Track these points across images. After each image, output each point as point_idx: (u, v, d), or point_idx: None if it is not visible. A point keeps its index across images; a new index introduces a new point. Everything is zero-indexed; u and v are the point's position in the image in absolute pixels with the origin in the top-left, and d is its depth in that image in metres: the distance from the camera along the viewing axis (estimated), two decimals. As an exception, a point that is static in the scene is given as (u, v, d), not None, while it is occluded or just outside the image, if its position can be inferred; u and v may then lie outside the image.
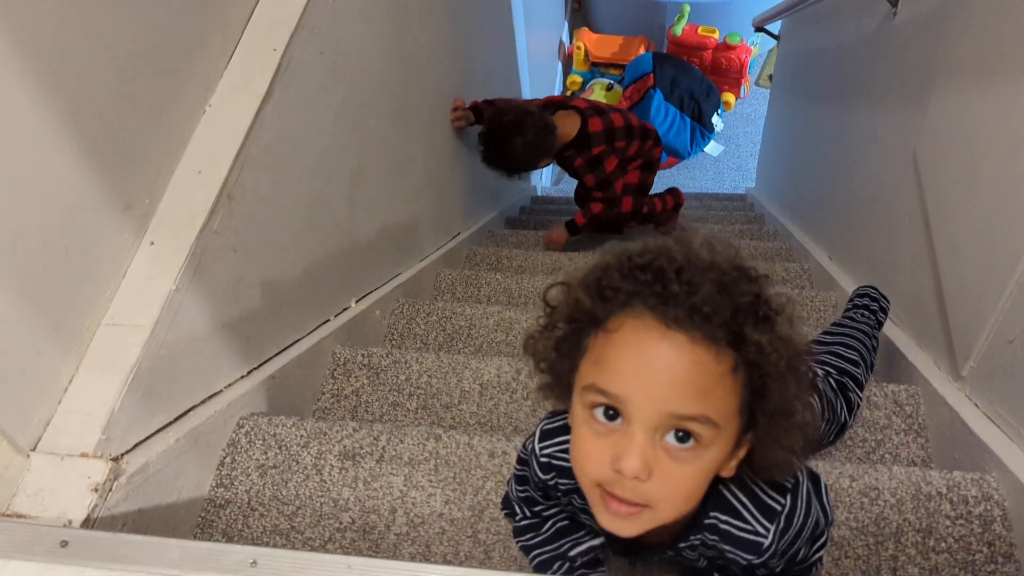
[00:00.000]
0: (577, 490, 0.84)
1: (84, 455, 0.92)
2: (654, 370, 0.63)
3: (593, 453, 0.68)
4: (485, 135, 2.51)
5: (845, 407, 1.25)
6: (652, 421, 0.64)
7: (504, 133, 2.45)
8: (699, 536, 0.80)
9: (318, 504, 1.14)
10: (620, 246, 0.70)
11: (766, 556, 0.77)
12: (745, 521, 0.77)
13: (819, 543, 0.87)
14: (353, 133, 1.64)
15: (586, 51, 5.21)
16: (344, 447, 1.19)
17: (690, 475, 0.66)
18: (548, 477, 0.87)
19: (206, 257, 1.11)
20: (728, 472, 0.72)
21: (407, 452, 1.18)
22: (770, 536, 0.76)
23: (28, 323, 0.88)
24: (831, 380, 1.25)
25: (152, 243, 1.07)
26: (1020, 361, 1.08)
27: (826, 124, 2.51)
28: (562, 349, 0.73)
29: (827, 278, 2.19)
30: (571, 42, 5.45)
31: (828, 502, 0.84)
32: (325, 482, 1.16)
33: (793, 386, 0.66)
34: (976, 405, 1.21)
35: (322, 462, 1.18)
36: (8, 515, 0.87)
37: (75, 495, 0.90)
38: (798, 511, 0.78)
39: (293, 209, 1.39)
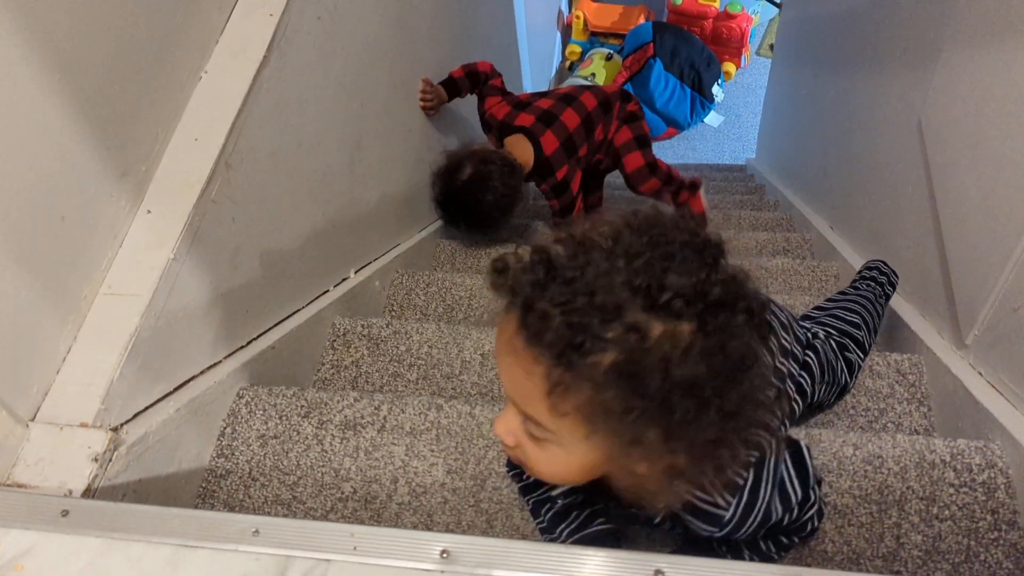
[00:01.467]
0: None
1: (84, 425, 0.91)
2: (505, 365, 0.67)
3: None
4: (442, 202, 2.10)
5: (845, 369, 1.25)
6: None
7: (466, 196, 2.02)
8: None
9: (319, 474, 1.14)
10: (544, 237, 0.65)
11: (727, 529, 0.78)
12: (707, 492, 0.77)
13: (808, 505, 0.87)
14: (352, 101, 1.62)
15: (585, 20, 5.16)
16: (345, 417, 1.19)
17: (546, 459, 0.69)
18: None
19: (204, 226, 1.10)
20: (654, 484, 0.68)
21: (408, 422, 1.17)
22: (731, 510, 0.77)
23: (25, 292, 0.87)
24: (831, 341, 1.25)
25: (149, 211, 1.06)
26: (1025, 329, 1.08)
27: (829, 93, 2.48)
28: None
29: (828, 248, 2.18)
30: (570, 11, 5.38)
31: (810, 465, 0.86)
32: (326, 452, 1.16)
33: (685, 422, 0.59)
34: (980, 374, 1.21)
35: (323, 432, 1.17)
36: (8, 485, 0.86)
37: (75, 465, 0.89)
38: (763, 484, 0.78)
39: (292, 178, 1.37)
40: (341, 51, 1.53)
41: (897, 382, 1.36)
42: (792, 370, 1.10)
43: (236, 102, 1.17)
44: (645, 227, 0.62)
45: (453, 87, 2.25)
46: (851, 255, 1.97)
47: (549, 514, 0.98)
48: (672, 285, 0.57)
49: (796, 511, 0.85)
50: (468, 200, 2.02)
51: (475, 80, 2.29)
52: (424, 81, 2.14)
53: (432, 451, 1.14)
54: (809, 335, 1.19)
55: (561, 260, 0.61)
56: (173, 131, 1.12)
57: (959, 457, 1.07)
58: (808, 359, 1.15)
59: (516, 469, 1.04)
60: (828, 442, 1.11)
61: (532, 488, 1.01)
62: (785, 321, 1.13)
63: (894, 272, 1.53)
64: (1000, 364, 1.15)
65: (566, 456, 0.67)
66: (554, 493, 0.98)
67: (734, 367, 0.59)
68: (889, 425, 1.31)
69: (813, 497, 0.88)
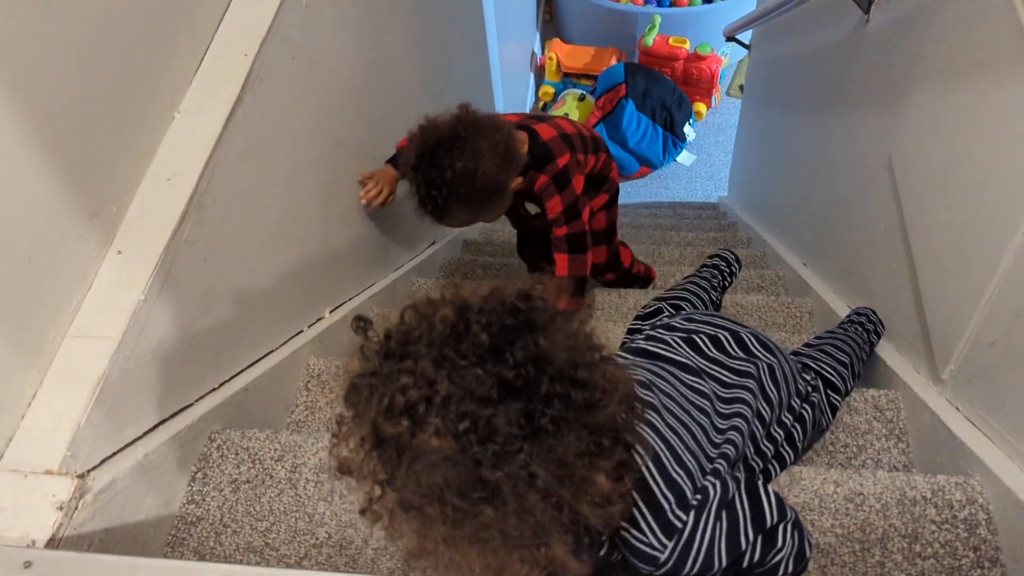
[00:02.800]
0: None
1: (48, 472, 0.89)
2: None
3: None
4: (419, 160, 1.49)
5: (828, 412, 1.25)
6: None
7: (454, 140, 1.47)
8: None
9: (293, 519, 1.11)
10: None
11: (664, 570, 0.78)
12: (643, 532, 0.78)
13: (775, 550, 0.84)
14: (326, 141, 1.61)
15: (558, 62, 5.22)
16: (319, 460, 1.16)
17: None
18: None
19: (176, 266, 1.08)
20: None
21: (385, 464, 1.15)
22: (666, 552, 0.77)
23: (-12, 335, 0.85)
24: (820, 379, 1.26)
25: (119, 252, 1.04)
26: (1001, 363, 1.08)
27: (799, 131, 2.52)
28: None
29: (802, 284, 2.19)
30: (543, 53, 5.45)
31: (769, 509, 0.83)
32: (300, 496, 1.13)
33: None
34: (957, 409, 1.21)
35: (297, 476, 1.15)
36: (-32, 536, 0.83)
37: (39, 514, 0.86)
38: (701, 528, 0.79)
39: (266, 218, 1.36)
40: (315, 92, 1.53)
41: (875, 418, 1.35)
42: (784, 432, 1.10)
43: (209, 142, 1.15)
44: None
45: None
46: (824, 291, 1.99)
47: None
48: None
49: (751, 555, 0.82)
50: (457, 146, 1.47)
51: None
52: (362, 176, 1.79)
53: (409, 494, 1.12)
54: (809, 388, 1.19)
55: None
56: (145, 171, 1.11)
57: (940, 493, 1.07)
58: (804, 412, 1.15)
59: None
60: (809, 480, 1.10)
61: None
62: (789, 374, 1.14)
63: (881, 323, 1.55)
64: (977, 399, 1.15)
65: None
66: None
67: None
68: (868, 462, 1.31)
69: (780, 542, 0.84)
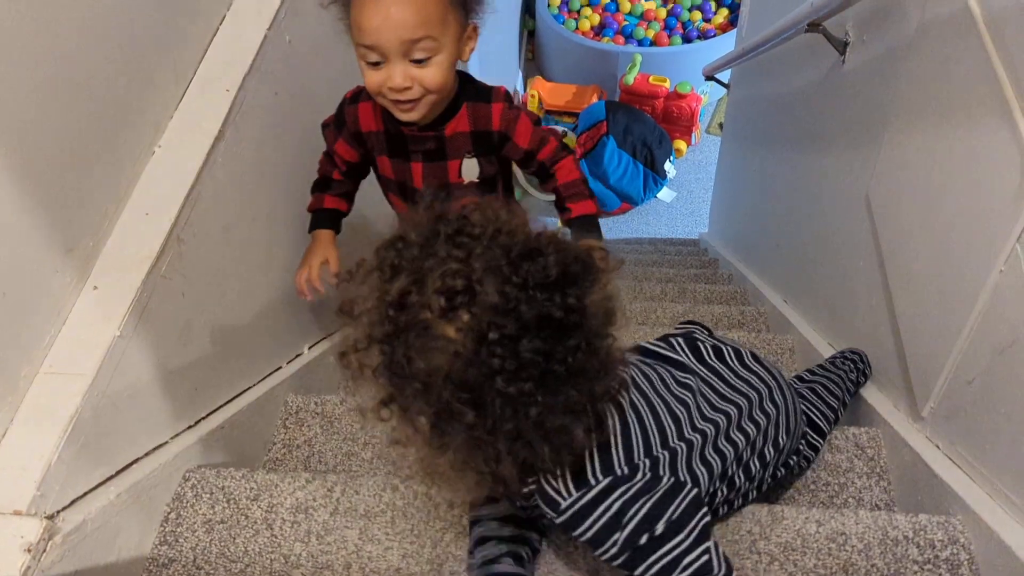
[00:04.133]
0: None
1: (17, 513, 0.87)
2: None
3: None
4: None
5: (804, 459, 1.23)
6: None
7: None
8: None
9: (268, 561, 1.09)
10: None
11: (564, 518, 0.80)
12: (555, 478, 0.80)
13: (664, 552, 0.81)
14: (307, 176, 1.61)
15: (540, 99, 5.26)
16: (296, 499, 1.14)
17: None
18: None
19: (153, 302, 1.07)
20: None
21: (362, 504, 1.13)
22: (568, 501, 0.79)
23: (-42, 372, 0.83)
24: (805, 417, 1.24)
25: (95, 287, 1.03)
26: (980, 401, 1.08)
27: (778, 169, 2.54)
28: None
29: (782, 320, 2.20)
30: (525, 91, 5.49)
31: (685, 519, 0.81)
32: (276, 537, 1.11)
33: None
34: (937, 446, 1.21)
35: (273, 516, 1.13)
36: (-69, 580, 0.81)
37: (6, 556, 0.84)
38: (615, 496, 0.79)
39: (245, 252, 1.35)
40: (297, 128, 1.53)
41: (856, 456, 1.35)
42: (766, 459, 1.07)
43: (190, 177, 1.15)
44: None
45: (325, 215, 1.44)
46: (806, 328, 1.99)
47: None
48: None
49: (661, 545, 0.80)
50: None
51: (326, 183, 1.45)
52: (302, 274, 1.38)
53: (387, 535, 1.10)
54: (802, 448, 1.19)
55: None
56: (124, 206, 1.10)
57: (921, 533, 1.06)
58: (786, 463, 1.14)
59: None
60: (791, 519, 1.09)
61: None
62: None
63: (870, 366, 1.52)
64: (957, 437, 1.16)
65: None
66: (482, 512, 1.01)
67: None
68: (850, 500, 1.30)
69: (708, 556, 0.82)
